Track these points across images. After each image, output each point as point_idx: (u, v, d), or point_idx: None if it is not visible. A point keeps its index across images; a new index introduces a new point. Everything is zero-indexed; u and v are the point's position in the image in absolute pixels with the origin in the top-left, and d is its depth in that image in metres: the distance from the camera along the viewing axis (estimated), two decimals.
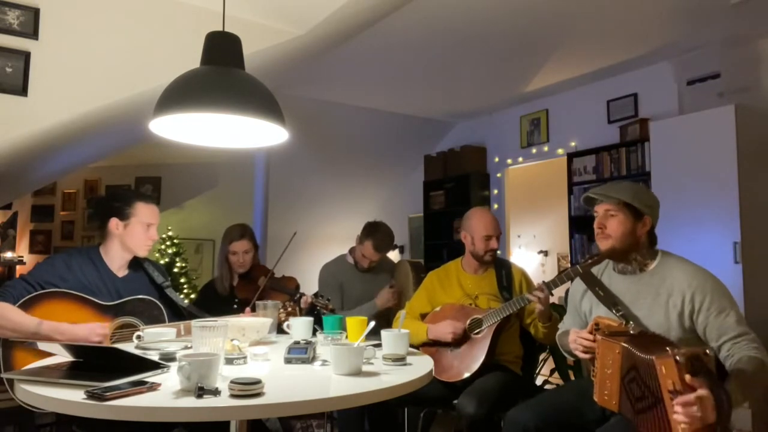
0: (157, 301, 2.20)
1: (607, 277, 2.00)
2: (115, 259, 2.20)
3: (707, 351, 1.42)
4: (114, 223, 2.17)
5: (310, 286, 3.40)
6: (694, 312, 1.77)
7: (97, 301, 2.07)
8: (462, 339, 2.43)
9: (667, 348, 1.44)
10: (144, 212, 2.20)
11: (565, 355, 2.10)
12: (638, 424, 1.55)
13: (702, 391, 1.33)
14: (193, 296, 5.67)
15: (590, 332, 1.79)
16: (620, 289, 1.93)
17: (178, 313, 2.28)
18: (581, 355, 1.82)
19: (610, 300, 1.90)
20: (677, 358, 1.36)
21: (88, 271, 2.12)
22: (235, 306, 2.84)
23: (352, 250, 3.39)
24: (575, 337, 1.83)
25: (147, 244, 2.21)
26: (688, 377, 1.34)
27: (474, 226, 2.61)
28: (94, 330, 1.95)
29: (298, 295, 2.81)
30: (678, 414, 1.35)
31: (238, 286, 2.99)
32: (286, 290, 2.91)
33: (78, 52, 2.60)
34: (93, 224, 2.40)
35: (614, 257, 1.96)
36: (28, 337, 1.91)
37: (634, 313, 1.87)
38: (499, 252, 5.59)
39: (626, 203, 1.89)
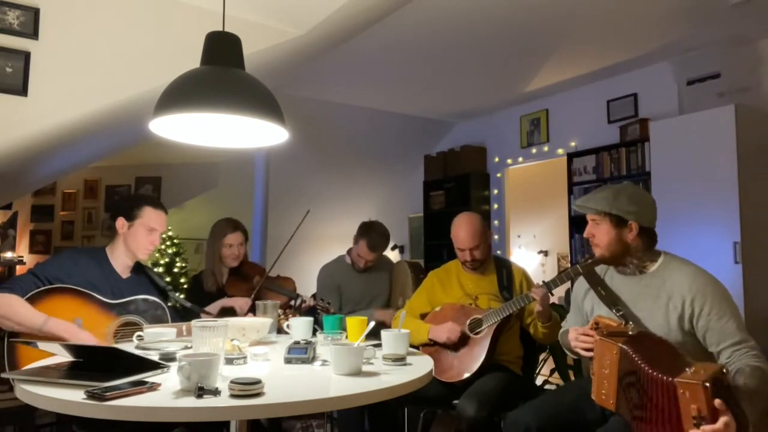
0: (161, 302, 2.24)
1: (609, 277, 1.99)
2: (119, 260, 2.24)
3: (724, 370, 1.42)
4: (120, 223, 2.23)
5: (309, 287, 3.40)
6: (694, 316, 1.76)
7: (102, 298, 2.11)
8: (460, 341, 2.42)
9: (687, 369, 1.43)
10: (150, 216, 2.24)
11: (568, 353, 2.10)
12: (636, 428, 1.55)
13: (726, 418, 1.34)
14: None
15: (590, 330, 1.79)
16: (621, 290, 1.93)
17: (180, 316, 2.31)
18: (583, 354, 1.81)
19: (610, 299, 1.90)
20: (706, 384, 1.35)
21: (93, 270, 2.16)
22: None
23: (350, 251, 3.40)
24: (576, 335, 1.83)
25: (147, 248, 2.25)
26: (717, 402, 1.34)
27: (453, 237, 2.62)
28: (98, 341, 1.98)
29: (299, 301, 2.78)
30: None
31: (230, 284, 2.93)
32: (283, 291, 2.88)
33: (78, 52, 2.60)
34: (106, 223, 2.48)
35: (607, 263, 1.96)
36: (33, 332, 1.94)
37: (635, 314, 1.86)
38: (498, 252, 5.59)
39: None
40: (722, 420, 1.34)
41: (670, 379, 1.43)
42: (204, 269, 3.00)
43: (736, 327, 1.71)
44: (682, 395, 1.39)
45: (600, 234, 1.90)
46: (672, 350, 1.62)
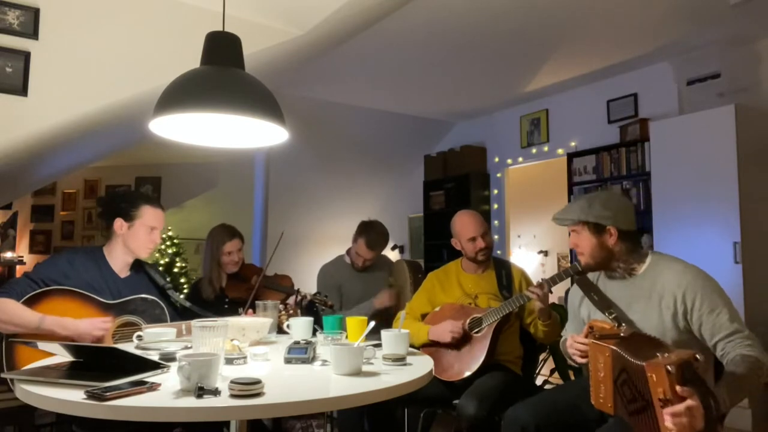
0: (160, 301, 2.22)
1: (602, 283, 2.01)
2: (118, 259, 2.22)
3: (697, 356, 1.43)
4: (119, 224, 2.20)
5: (309, 287, 3.40)
6: (687, 312, 1.77)
7: (99, 299, 2.09)
8: (462, 339, 2.43)
9: (657, 354, 1.44)
10: (149, 215, 2.22)
11: (570, 361, 2.10)
12: (633, 423, 1.55)
13: (691, 402, 1.35)
14: None
15: (585, 336, 1.79)
16: (615, 295, 1.94)
17: (179, 314, 2.30)
18: (580, 360, 1.82)
19: (603, 304, 1.91)
20: (668, 367, 1.37)
21: (90, 271, 2.14)
22: (226, 306, 2.81)
23: (349, 251, 3.40)
24: (571, 342, 1.84)
25: (149, 247, 2.23)
26: (678, 388, 1.36)
27: (458, 232, 2.64)
28: (96, 325, 1.97)
29: (299, 297, 2.78)
30: (667, 422, 1.38)
31: (228, 286, 2.95)
32: (281, 288, 2.89)
33: (78, 52, 2.60)
34: (101, 223, 2.43)
35: (593, 270, 1.99)
36: (31, 332, 1.93)
37: (629, 317, 1.87)
38: (499, 252, 5.58)
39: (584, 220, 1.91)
40: (685, 404, 1.35)
41: (641, 363, 1.44)
42: (201, 277, 3.01)
43: (728, 318, 1.71)
44: (650, 378, 1.41)
45: (582, 243, 1.93)
46: (661, 345, 1.62)
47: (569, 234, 2.00)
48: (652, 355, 1.46)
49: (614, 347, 1.59)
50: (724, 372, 1.61)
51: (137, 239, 2.20)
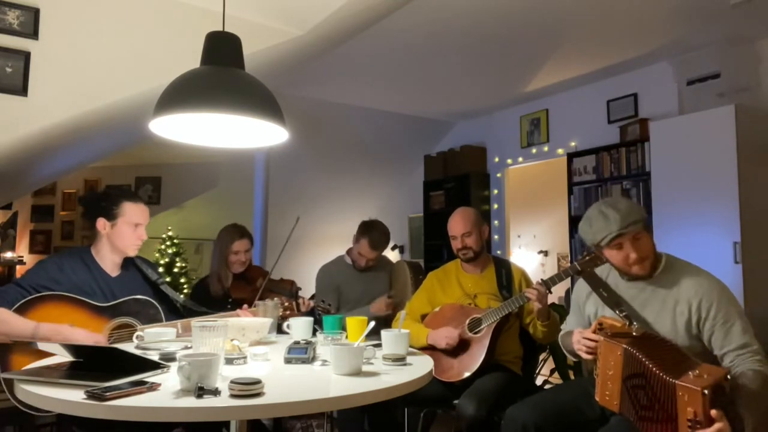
0: (153, 300, 2.18)
1: (614, 280, 1.99)
2: (107, 259, 2.18)
3: (728, 376, 1.44)
4: (101, 224, 2.15)
5: (309, 287, 3.40)
6: (701, 320, 1.76)
7: (92, 302, 2.06)
8: (459, 345, 2.42)
9: (690, 372, 1.44)
10: (131, 212, 2.17)
11: (568, 355, 2.09)
12: (642, 428, 1.55)
13: (720, 425, 1.37)
14: None
15: (593, 332, 1.78)
16: (629, 295, 1.92)
17: (173, 310, 2.27)
18: (584, 356, 1.81)
19: (613, 300, 1.89)
20: (705, 391, 1.37)
21: (80, 273, 2.10)
22: (229, 306, 2.83)
23: (349, 251, 3.39)
24: (579, 338, 1.83)
25: (135, 243, 2.19)
26: (713, 412, 1.37)
27: (448, 229, 2.67)
28: (94, 339, 1.95)
29: (295, 290, 2.80)
30: None
31: (233, 286, 2.98)
32: (284, 292, 2.91)
33: (78, 52, 2.60)
34: (84, 224, 2.39)
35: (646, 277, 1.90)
36: (26, 340, 1.90)
37: (642, 317, 1.86)
38: (499, 252, 5.57)
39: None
40: (716, 426, 1.37)
41: (672, 380, 1.44)
42: (209, 274, 3.03)
43: (740, 331, 1.72)
44: (680, 397, 1.41)
45: (645, 247, 1.82)
46: (676, 350, 1.62)
47: (615, 247, 1.78)
48: (678, 366, 1.46)
49: (627, 347, 1.59)
50: (741, 389, 1.60)
51: (123, 238, 2.15)
